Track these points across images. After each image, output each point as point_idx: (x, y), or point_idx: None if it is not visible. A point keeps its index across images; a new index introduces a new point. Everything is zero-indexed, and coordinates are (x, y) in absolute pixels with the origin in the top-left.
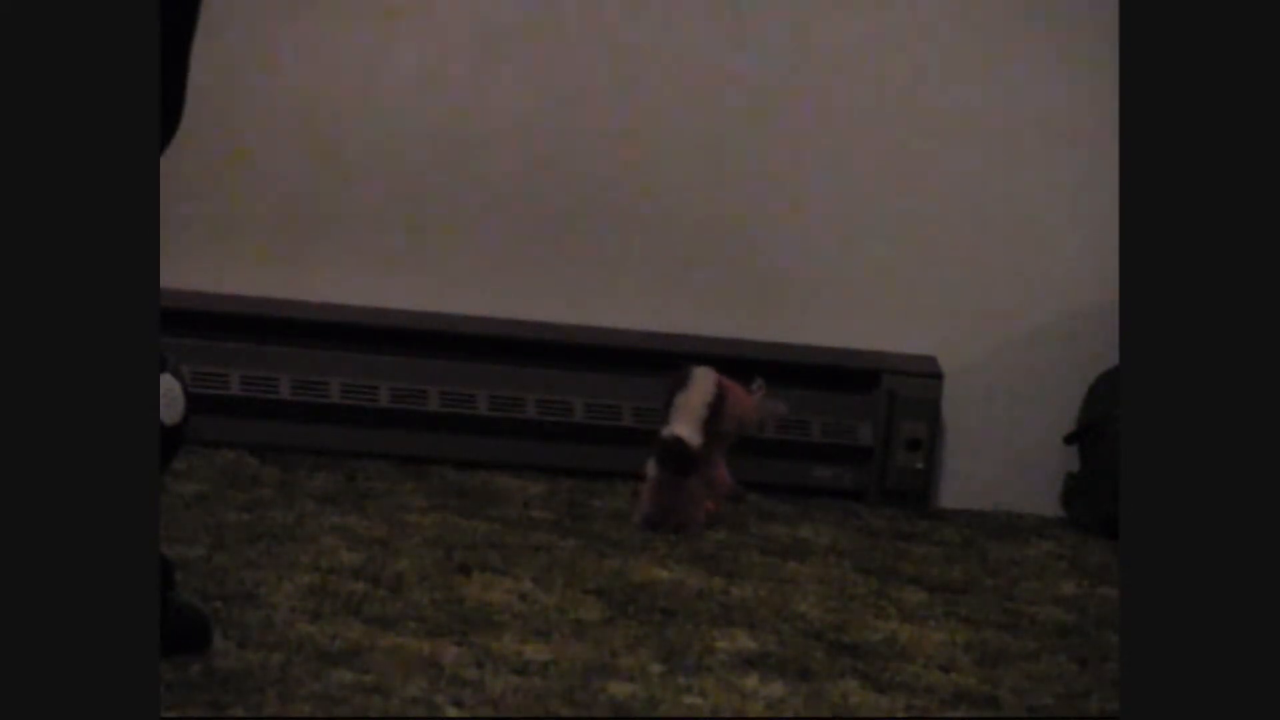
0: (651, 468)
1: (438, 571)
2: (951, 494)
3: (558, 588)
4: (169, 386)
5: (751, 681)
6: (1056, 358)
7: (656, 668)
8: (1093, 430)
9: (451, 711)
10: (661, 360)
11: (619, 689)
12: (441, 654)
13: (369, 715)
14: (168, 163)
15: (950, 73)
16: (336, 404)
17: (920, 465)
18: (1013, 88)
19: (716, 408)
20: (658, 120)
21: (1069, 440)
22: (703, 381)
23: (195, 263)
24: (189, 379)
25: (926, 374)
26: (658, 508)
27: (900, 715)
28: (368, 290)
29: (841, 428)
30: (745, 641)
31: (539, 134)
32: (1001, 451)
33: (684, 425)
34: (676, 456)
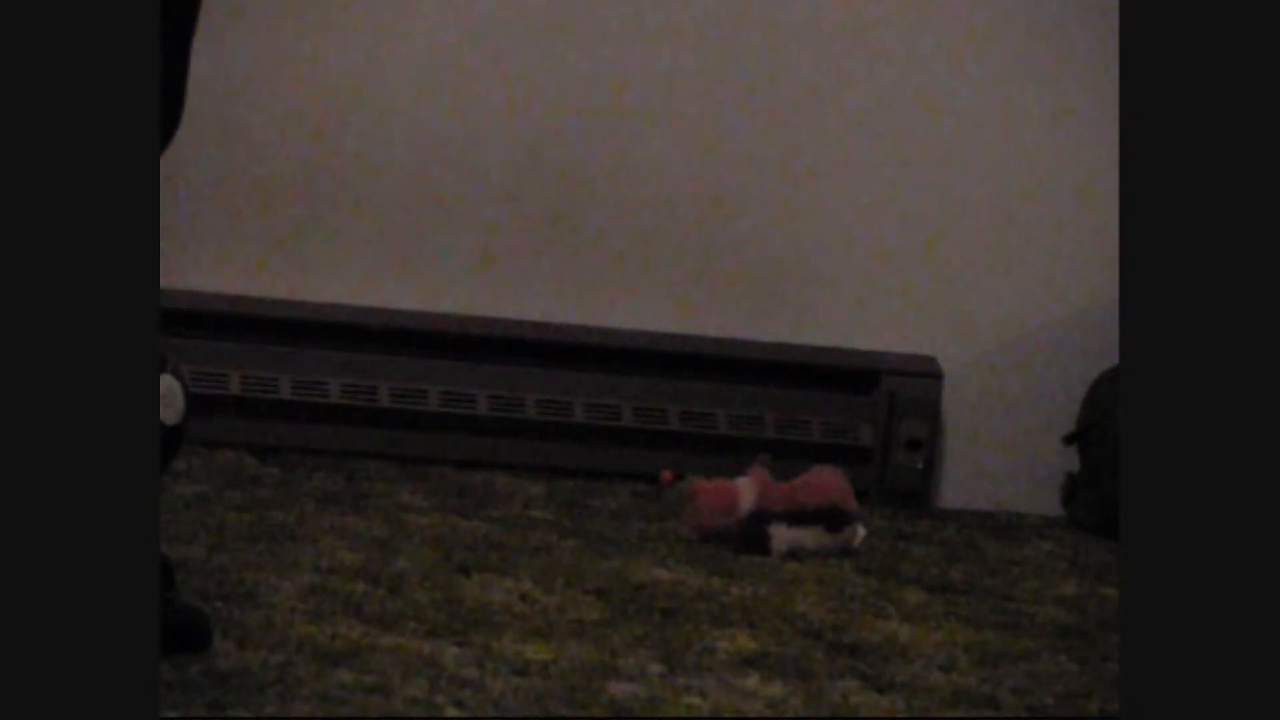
0: (740, 484)
1: (438, 571)
2: (951, 494)
3: (558, 588)
4: (169, 386)
5: (751, 681)
6: (1056, 358)
7: (656, 668)
8: (1093, 430)
9: (451, 711)
10: (662, 360)
11: (619, 689)
12: (441, 654)
13: (369, 715)
14: (168, 162)
15: (950, 73)
16: (336, 404)
17: (920, 465)
18: (1013, 88)
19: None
20: (658, 121)
21: (1069, 440)
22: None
23: (195, 263)
24: (189, 379)
25: (926, 374)
26: (697, 500)
27: (900, 715)
28: (368, 290)
29: (841, 428)
30: (745, 641)
31: (539, 134)
32: (1001, 451)
33: (784, 533)
34: (748, 541)
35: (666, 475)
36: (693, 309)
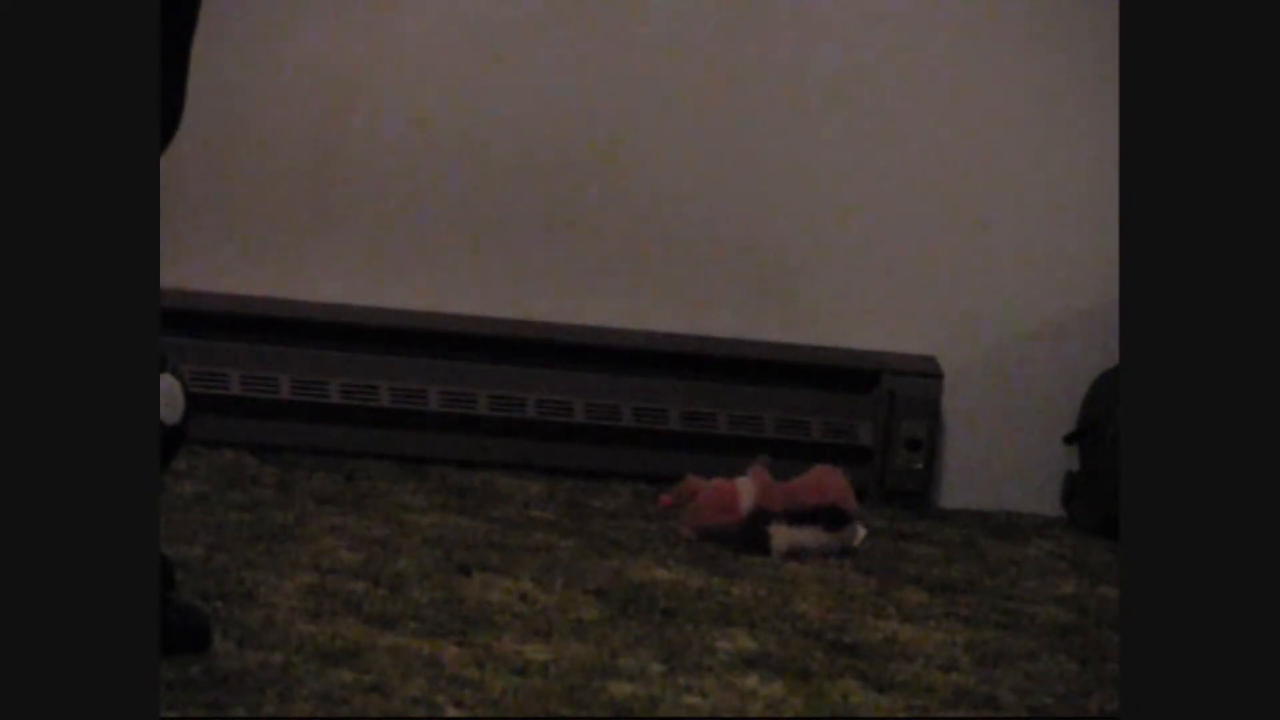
0: (743, 484)
1: (438, 571)
2: (951, 494)
3: (558, 588)
4: (169, 386)
5: (751, 681)
6: (1056, 358)
7: (656, 668)
8: (1093, 430)
9: (451, 711)
10: (662, 360)
11: (619, 689)
12: (441, 654)
13: (369, 715)
14: (168, 162)
15: (950, 73)
16: (336, 404)
17: (920, 465)
18: (1013, 88)
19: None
20: (659, 121)
21: (1069, 440)
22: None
23: (195, 263)
24: (189, 379)
25: (926, 374)
26: (697, 500)
27: (900, 715)
28: (368, 290)
29: (841, 428)
30: (745, 641)
31: (540, 133)
32: (1001, 451)
33: (784, 533)
34: (748, 541)
35: (665, 500)
36: (693, 309)
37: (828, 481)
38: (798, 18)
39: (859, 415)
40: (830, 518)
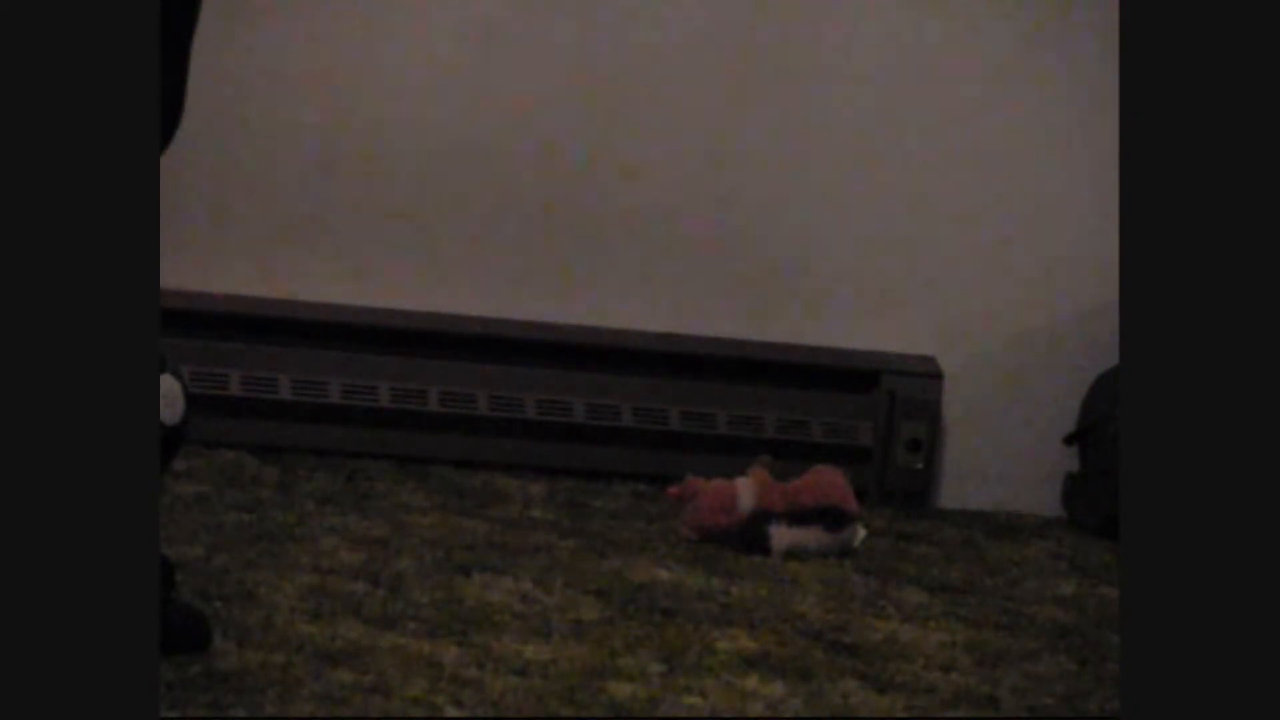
0: (741, 485)
1: (438, 571)
2: (951, 494)
3: (558, 588)
4: (169, 386)
5: (751, 681)
6: (1056, 358)
7: (656, 668)
8: (1093, 430)
9: (451, 711)
10: (662, 360)
11: (619, 689)
12: (441, 654)
13: (369, 715)
14: (168, 162)
15: (950, 74)
16: (336, 404)
17: (920, 465)
18: (1013, 88)
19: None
20: (659, 121)
21: (1069, 440)
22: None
23: (195, 263)
24: (189, 379)
25: (926, 374)
26: (697, 500)
27: (900, 715)
28: (368, 290)
29: (841, 428)
30: (745, 641)
31: (539, 134)
32: (1001, 451)
33: (784, 533)
34: (749, 538)
35: (673, 491)
36: (693, 309)
37: (828, 482)
38: (797, 17)
39: (859, 415)
40: (831, 518)
